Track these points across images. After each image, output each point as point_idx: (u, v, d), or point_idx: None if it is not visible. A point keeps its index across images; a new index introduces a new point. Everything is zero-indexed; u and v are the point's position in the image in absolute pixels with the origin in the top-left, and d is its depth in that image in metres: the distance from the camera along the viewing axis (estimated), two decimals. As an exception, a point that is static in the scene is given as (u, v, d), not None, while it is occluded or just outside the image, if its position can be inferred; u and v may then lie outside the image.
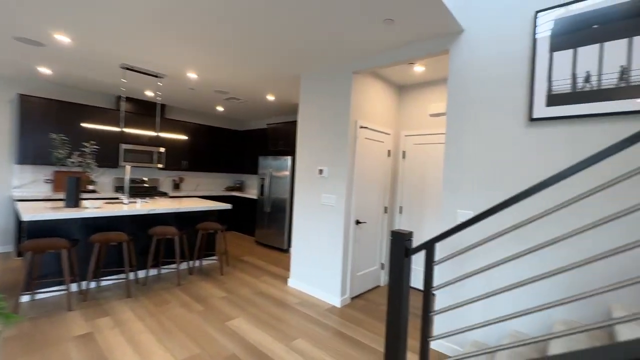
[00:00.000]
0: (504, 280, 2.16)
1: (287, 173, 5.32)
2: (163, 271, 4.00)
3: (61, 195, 4.49)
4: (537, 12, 2.09)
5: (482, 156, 2.32)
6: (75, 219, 3.25)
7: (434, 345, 2.52)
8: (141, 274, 3.79)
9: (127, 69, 3.77)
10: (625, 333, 1.40)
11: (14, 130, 4.55)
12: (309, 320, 2.92)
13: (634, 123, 1.77)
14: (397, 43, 2.73)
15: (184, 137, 5.11)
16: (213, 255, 4.56)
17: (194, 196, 5.97)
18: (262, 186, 5.81)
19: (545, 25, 2.06)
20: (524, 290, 2.09)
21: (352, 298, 3.47)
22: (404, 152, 4.01)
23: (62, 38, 2.99)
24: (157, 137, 5.66)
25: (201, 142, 6.44)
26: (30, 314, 2.75)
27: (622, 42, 1.80)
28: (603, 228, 1.83)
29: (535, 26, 2.10)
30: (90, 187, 5.03)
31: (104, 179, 5.39)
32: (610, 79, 1.83)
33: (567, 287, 1.94)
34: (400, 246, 1.54)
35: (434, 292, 2.36)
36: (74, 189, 3.30)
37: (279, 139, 5.80)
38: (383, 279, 3.96)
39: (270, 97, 4.97)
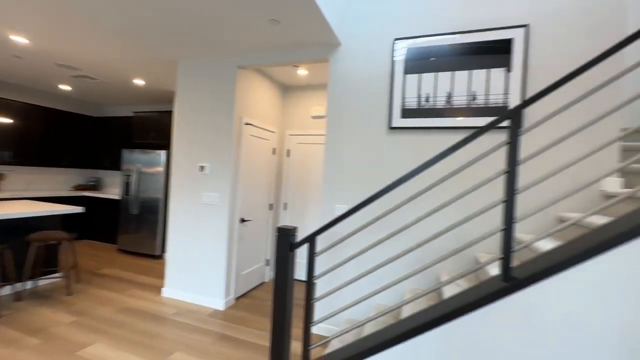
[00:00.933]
0: (372, 264, 2.55)
1: (161, 169, 4.72)
2: (-31, 302, 2.92)
3: None
4: (395, 39, 2.53)
5: (356, 157, 2.65)
6: None
7: (314, 329, 2.74)
8: None
9: None
10: (447, 293, 1.87)
11: None
12: (188, 329, 2.69)
13: (454, 135, 2.38)
14: (282, 45, 2.81)
15: (8, 121, 3.82)
16: (56, 272, 3.62)
17: (24, 198, 4.57)
18: (127, 184, 4.95)
19: (401, 51, 2.51)
20: (384, 270, 2.51)
21: (237, 298, 3.38)
22: (288, 151, 4.16)
23: None
24: None
25: (36, 128, 4.97)
26: None
27: (448, 74, 2.38)
28: (439, 214, 2.39)
29: (393, 51, 2.54)
30: None
31: None
32: (440, 101, 2.40)
33: (414, 263, 2.45)
34: (285, 241, 1.60)
35: (315, 280, 2.55)
36: None
37: (150, 130, 5.06)
38: (268, 274, 4.02)
39: (139, 81, 4.28)
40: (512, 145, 1.30)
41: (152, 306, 3.09)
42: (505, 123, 2.18)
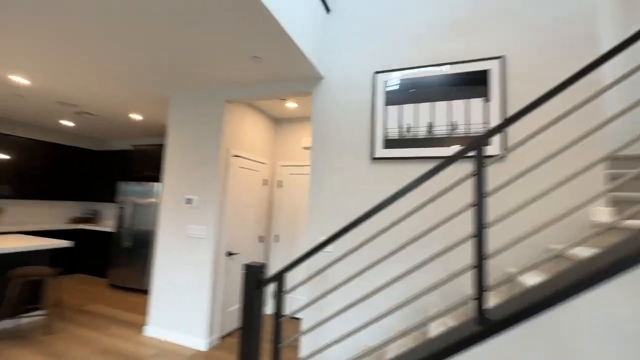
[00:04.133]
0: (359, 301, 2.41)
1: (154, 201, 4.73)
2: (-57, 342, 2.81)
3: None
4: (375, 72, 2.59)
5: (339, 187, 2.61)
6: None
7: (300, 373, 2.54)
8: None
9: None
10: (433, 331, 1.74)
11: None
12: (165, 373, 2.53)
13: (435, 164, 2.33)
14: (267, 79, 2.89)
15: (8, 156, 3.93)
16: (39, 308, 3.51)
17: (20, 232, 4.58)
18: (121, 217, 4.95)
19: (382, 84, 2.56)
20: (372, 309, 2.37)
21: (223, 337, 3.21)
22: (280, 181, 4.15)
23: None
24: None
25: (37, 162, 5.10)
26: None
27: (428, 105, 2.39)
28: (421, 243, 2.29)
29: (374, 83, 2.58)
30: None
31: None
32: (422, 131, 2.39)
33: (403, 302, 2.31)
34: (253, 278, 1.53)
35: (299, 316, 2.42)
36: None
37: (146, 162, 5.14)
38: (258, 311, 3.84)
39: (136, 116, 4.42)
40: (479, 177, 1.25)
41: (131, 347, 2.94)
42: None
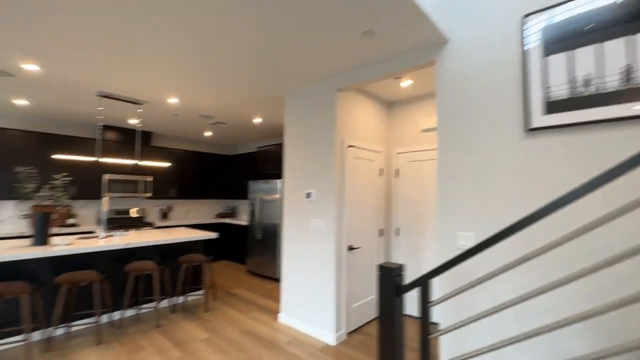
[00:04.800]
0: (514, 315, 1.89)
1: (278, 197, 5.10)
2: (143, 311, 3.67)
3: (54, 230, 4.22)
4: (525, 16, 1.95)
5: (479, 171, 2.11)
6: (40, 259, 2.98)
7: (441, 389, 2.19)
8: (118, 315, 3.46)
9: (105, 96, 3.63)
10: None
11: (-11, 164, 4.34)
12: (299, 363, 2.60)
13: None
14: (380, 56, 2.59)
15: (171, 165, 4.92)
16: (200, 289, 4.24)
17: (183, 225, 5.70)
18: (252, 212, 5.56)
19: (535, 28, 1.91)
20: (532, 318, 1.81)
21: (349, 333, 3.14)
22: (397, 170, 3.80)
23: (31, 67, 2.86)
24: (136, 165, 5.43)
25: (189, 169, 6.25)
26: (-18, 372, 2.43)
27: (622, 40, 1.64)
28: (609, 240, 1.58)
29: (523, 31, 1.95)
30: (70, 221, 4.77)
31: (85, 212, 5.14)
32: (612, 81, 1.65)
33: (591, 324, 1.67)
34: (390, 283, 1.29)
35: (439, 335, 2.07)
36: (42, 225, 3.05)
37: (269, 162, 5.62)
38: (383, 308, 3.63)
39: (258, 120, 4.83)
40: None
41: (268, 332, 3.17)
42: None
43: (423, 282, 1.22)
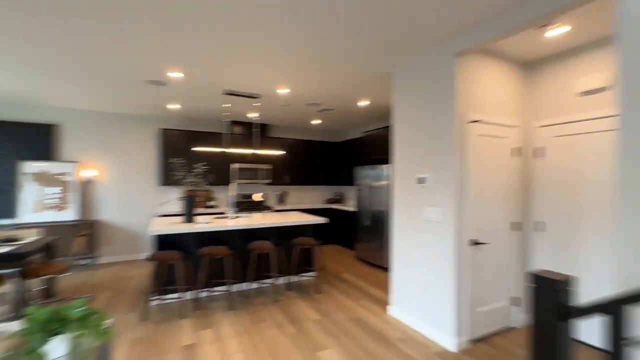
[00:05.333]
0: None
1: (386, 183, 4.84)
2: (264, 285, 4.08)
3: (199, 210, 5.22)
4: None
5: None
6: (188, 234, 3.63)
7: None
8: (245, 286, 3.95)
9: (228, 94, 4.10)
10: None
11: (157, 158, 5.58)
12: (413, 365, 2.37)
13: None
14: (515, 1, 1.99)
15: (285, 153, 5.30)
16: (312, 270, 4.45)
17: (296, 210, 6.12)
18: (359, 198, 5.48)
19: None
20: None
21: (473, 341, 2.69)
22: (539, 149, 3.00)
23: (176, 75, 3.42)
24: (255, 154, 6.05)
25: (301, 156, 6.62)
26: (155, 318, 3.12)
27: None
28: None
29: None
30: (211, 203, 5.73)
31: (222, 196, 6.08)
32: None
33: None
34: (550, 302, 0.92)
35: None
36: (189, 206, 3.70)
37: (375, 146, 5.38)
38: (516, 318, 2.99)
39: (363, 103, 4.64)
40: None
41: (378, 323, 3.04)
42: None
43: (614, 309, 0.81)
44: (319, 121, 6.12)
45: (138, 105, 4.83)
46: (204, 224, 3.58)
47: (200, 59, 3.00)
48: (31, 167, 4.73)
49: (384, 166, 4.88)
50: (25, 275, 2.97)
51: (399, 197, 3.17)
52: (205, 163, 5.22)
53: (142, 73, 3.38)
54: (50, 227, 4.60)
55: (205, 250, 3.32)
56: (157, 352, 2.52)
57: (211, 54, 2.86)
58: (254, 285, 4.03)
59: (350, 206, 6.26)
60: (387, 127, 5.07)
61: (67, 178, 4.93)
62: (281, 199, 6.65)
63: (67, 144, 5.02)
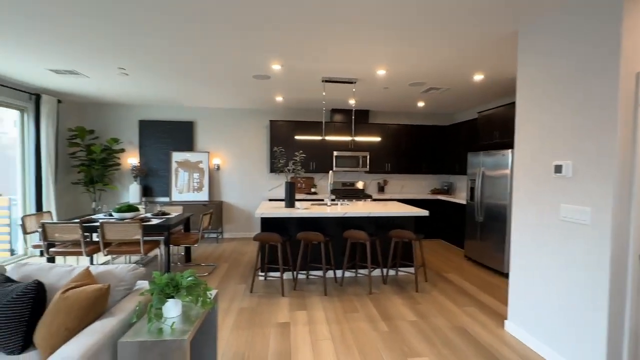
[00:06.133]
0: None
1: (506, 172, 4.01)
2: (358, 275, 4.01)
3: (300, 196, 5.60)
4: None
5: None
6: (288, 218, 3.84)
7: None
8: (339, 273, 3.97)
9: (326, 81, 4.09)
10: None
11: (267, 148, 6.16)
12: (535, 401, 1.87)
13: None
14: None
15: (385, 140, 5.04)
16: (410, 265, 4.13)
17: (396, 199, 5.79)
18: (472, 189, 4.74)
19: None
20: None
21: (635, 390, 1.95)
22: None
23: (277, 67, 3.60)
24: (353, 141, 5.93)
25: (403, 143, 6.18)
26: (260, 292, 3.45)
27: None
28: None
29: None
30: (312, 190, 5.99)
31: (323, 183, 6.29)
32: None
33: None
34: None
35: None
36: (289, 193, 3.92)
37: (494, 128, 4.52)
38: None
39: (478, 77, 3.91)
40: None
41: (488, 338, 2.55)
42: None
43: None
44: (423, 103, 5.55)
45: (250, 100, 5.38)
46: (302, 209, 3.73)
47: (298, 50, 3.04)
48: (178, 156, 5.91)
49: (506, 151, 4.04)
50: (169, 243, 3.72)
51: (525, 189, 2.54)
52: (306, 151, 5.45)
53: (251, 69, 3.68)
54: (189, 206, 5.67)
55: (302, 234, 3.45)
56: (258, 323, 2.76)
57: (308, 42, 2.86)
58: (348, 274, 4.01)
59: (460, 198, 5.52)
60: (509, 104, 4.16)
61: (201, 165, 5.96)
62: (381, 188, 6.41)
63: (201, 137, 6.05)
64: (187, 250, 4.49)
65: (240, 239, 6.05)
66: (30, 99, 4.67)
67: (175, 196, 5.85)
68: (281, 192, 6.06)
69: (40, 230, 3.34)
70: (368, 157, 5.98)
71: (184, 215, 4.25)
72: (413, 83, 4.22)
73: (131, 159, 5.88)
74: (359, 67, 3.58)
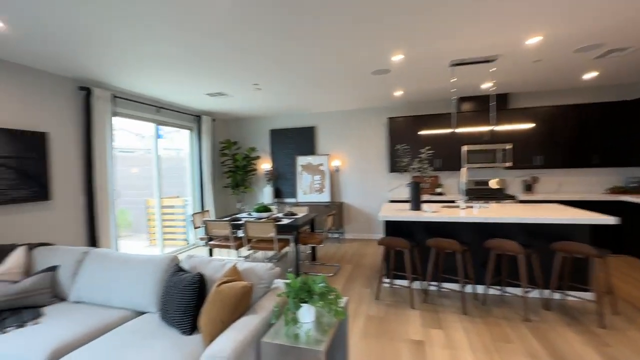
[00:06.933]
0: None
1: None
2: (507, 294, 3.28)
3: (425, 197, 5.15)
4: None
5: None
6: (415, 222, 3.48)
7: None
8: (481, 289, 3.34)
9: (457, 64, 3.54)
10: None
11: (386, 146, 5.90)
12: None
13: None
14: None
15: (534, 127, 4.05)
16: (586, 289, 3.11)
17: (553, 201, 4.58)
18: (692, 187, 3.24)
19: None
20: None
21: None
22: None
23: (398, 57, 3.32)
24: (492, 132, 4.96)
25: (560, 129, 4.84)
26: (386, 300, 3.24)
27: None
28: None
29: None
30: (438, 190, 5.38)
31: (450, 182, 5.58)
32: None
33: None
34: None
35: None
36: (414, 194, 3.56)
37: None
38: None
39: None
40: None
41: None
42: None
43: None
44: (593, 74, 4.18)
45: (367, 99, 5.25)
46: (430, 212, 3.32)
47: (423, 34, 2.69)
48: (302, 160, 6.33)
49: None
50: (298, 241, 3.94)
51: None
52: (430, 147, 4.91)
53: (369, 64, 3.53)
54: (313, 206, 5.96)
55: (433, 241, 3.05)
56: (389, 336, 2.55)
57: (434, 24, 2.49)
58: (492, 291, 3.33)
59: (664, 200, 3.90)
60: None
61: (323, 168, 6.20)
62: (528, 187, 5.20)
63: (321, 140, 6.31)
64: (313, 250, 4.69)
65: (360, 240, 5.99)
66: (194, 120, 5.85)
67: (301, 197, 6.27)
68: (402, 193, 5.68)
69: (203, 226, 4.07)
70: (512, 149, 4.94)
71: (310, 216, 4.45)
72: (581, 48, 3.19)
73: (264, 165, 6.66)
74: (501, 39, 2.92)
